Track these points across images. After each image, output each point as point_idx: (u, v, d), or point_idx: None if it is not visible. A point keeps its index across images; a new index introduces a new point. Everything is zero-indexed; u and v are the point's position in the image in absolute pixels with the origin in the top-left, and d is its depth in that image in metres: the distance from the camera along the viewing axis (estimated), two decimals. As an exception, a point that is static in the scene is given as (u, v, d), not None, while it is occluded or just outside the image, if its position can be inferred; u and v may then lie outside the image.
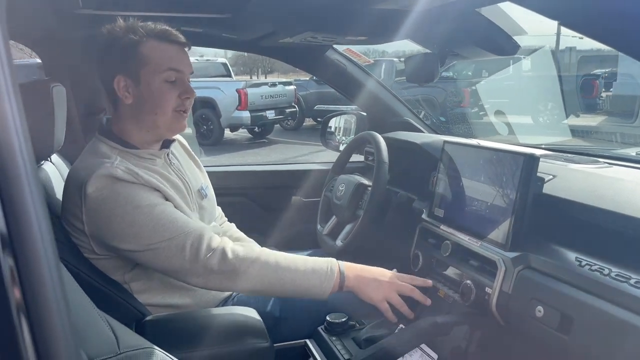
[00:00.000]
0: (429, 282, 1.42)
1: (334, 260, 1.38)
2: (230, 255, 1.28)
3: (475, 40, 1.21)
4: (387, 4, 1.08)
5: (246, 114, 10.31)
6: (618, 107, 10.93)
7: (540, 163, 1.46)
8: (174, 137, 1.55)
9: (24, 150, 0.48)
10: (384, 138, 1.77)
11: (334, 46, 1.99)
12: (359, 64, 2.08)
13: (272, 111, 10.77)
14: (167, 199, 1.35)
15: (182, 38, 1.39)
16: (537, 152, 1.57)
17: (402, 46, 1.56)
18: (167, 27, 1.38)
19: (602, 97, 11.64)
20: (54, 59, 1.81)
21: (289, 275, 1.31)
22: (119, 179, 1.27)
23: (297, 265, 1.33)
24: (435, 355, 1.38)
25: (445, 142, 1.55)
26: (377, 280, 1.37)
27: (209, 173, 1.81)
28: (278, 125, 11.95)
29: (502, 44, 1.21)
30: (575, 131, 9.09)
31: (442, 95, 11.49)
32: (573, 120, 11.19)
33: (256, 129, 11.21)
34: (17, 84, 0.49)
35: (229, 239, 1.34)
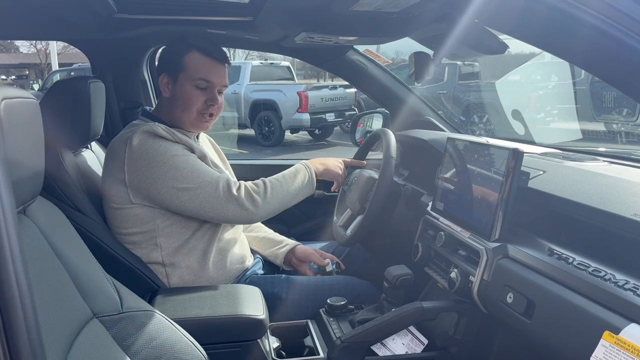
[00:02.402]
0: (363, 163, 1.94)
1: (304, 161, 1.77)
2: (252, 190, 1.58)
3: (462, 40, 1.27)
4: (361, 6, 1.17)
5: (306, 116, 10.48)
6: None
7: (536, 159, 1.51)
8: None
9: None
10: (398, 135, 1.84)
11: (355, 47, 2.08)
12: (380, 65, 2.15)
13: (332, 114, 10.88)
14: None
15: (221, 55, 1.65)
16: (533, 148, 1.60)
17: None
18: (213, 44, 1.63)
19: (689, 101, 10.79)
20: (98, 59, 2.03)
21: (290, 185, 1.65)
22: (159, 136, 1.54)
23: (289, 175, 1.68)
24: (425, 340, 1.45)
25: (448, 138, 1.61)
26: (334, 163, 1.84)
27: (236, 166, 1.97)
28: (338, 127, 12.06)
29: (489, 44, 1.26)
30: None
31: (507, 99, 11.13)
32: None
33: (316, 131, 11.36)
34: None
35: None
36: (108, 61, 2.03)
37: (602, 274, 0.99)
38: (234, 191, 1.54)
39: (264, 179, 1.64)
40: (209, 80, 1.62)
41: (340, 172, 1.84)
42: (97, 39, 1.93)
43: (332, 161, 1.84)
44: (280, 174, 1.68)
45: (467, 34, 1.26)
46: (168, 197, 1.51)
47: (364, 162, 1.94)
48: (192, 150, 1.58)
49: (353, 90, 11.43)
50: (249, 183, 1.60)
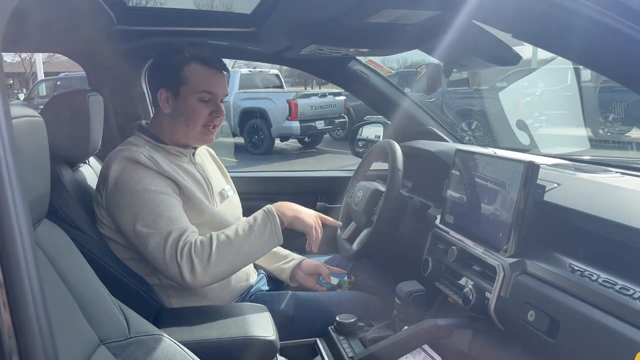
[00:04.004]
0: (339, 223, 1.72)
1: (267, 206, 1.52)
2: (194, 254, 1.37)
3: (475, 51, 1.25)
4: (378, 18, 1.15)
5: (296, 124, 10.46)
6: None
7: (548, 172, 1.48)
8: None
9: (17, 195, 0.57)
10: (402, 146, 1.81)
11: (357, 57, 2.06)
12: (382, 75, 2.13)
13: (322, 121, 10.86)
14: (180, 189, 1.50)
15: (221, 64, 1.57)
16: (544, 160, 1.58)
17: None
18: (210, 53, 1.56)
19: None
20: (95, 71, 1.98)
21: (244, 242, 1.43)
22: (139, 162, 1.44)
23: (243, 229, 1.45)
24: (438, 358, 1.41)
25: (456, 150, 1.58)
26: (307, 212, 1.57)
27: (236, 178, 1.92)
28: (327, 135, 12.05)
29: (502, 55, 1.24)
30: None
31: (496, 105, 11.19)
32: (637, 133, 10.66)
33: (306, 139, 11.34)
34: (14, 142, 0.59)
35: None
36: (105, 73, 1.98)
37: (631, 292, 0.96)
38: (177, 253, 1.37)
39: (213, 234, 1.42)
40: (212, 91, 1.55)
41: (313, 225, 1.55)
42: (95, 50, 1.88)
43: (307, 211, 1.59)
44: (234, 226, 1.47)
45: (479, 44, 1.24)
46: (127, 234, 1.44)
47: (340, 223, 1.74)
48: (175, 182, 1.48)
49: (342, 97, 11.45)
50: (197, 241, 1.40)
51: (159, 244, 1.38)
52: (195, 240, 1.40)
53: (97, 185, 1.52)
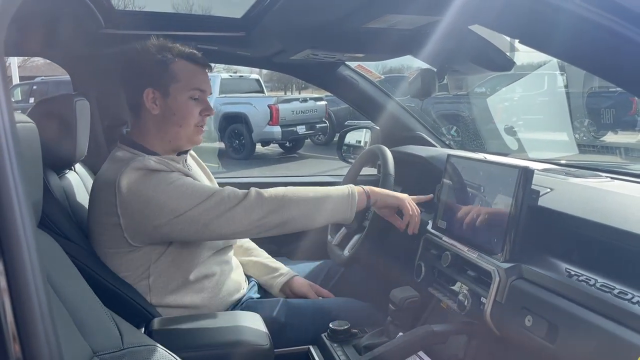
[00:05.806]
0: (430, 196, 1.64)
1: (351, 185, 1.55)
2: (262, 191, 1.42)
3: (470, 57, 1.25)
4: (377, 23, 1.14)
5: (277, 129, 10.46)
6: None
7: (540, 177, 1.49)
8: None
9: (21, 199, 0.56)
10: (393, 152, 1.81)
11: (347, 63, 2.06)
12: (371, 80, 2.14)
13: (303, 126, 10.89)
14: None
15: (205, 60, 1.53)
16: (535, 165, 1.59)
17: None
18: (194, 50, 1.51)
19: (643, 113, 11.23)
20: (81, 75, 1.94)
21: (318, 196, 1.47)
22: (153, 169, 1.38)
23: (321, 190, 1.49)
24: (433, 364, 1.41)
25: (448, 155, 1.58)
26: (396, 193, 1.60)
27: (223, 184, 1.89)
28: (309, 140, 12.06)
29: (496, 60, 1.25)
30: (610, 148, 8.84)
31: (475, 111, 11.32)
32: (611, 137, 10.88)
33: (287, 144, 11.35)
34: (18, 143, 0.57)
35: None
36: (91, 77, 1.94)
37: (629, 296, 0.97)
38: (240, 197, 1.39)
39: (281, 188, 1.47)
40: (202, 89, 1.50)
41: (406, 198, 1.58)
42: (81, 54, 1.84)
43: (396, 193, 1.61)
44: (308, 187, 1.51)
45: (473, 49, 1.25)
46: (169, 229, 1.38)
47: (431, 196, 1.65)
48: (188, 175, 1.46)
49: (323, 102, 11.48)
50: (263, 190, 1.44)
51: (219, 203, 1.37)
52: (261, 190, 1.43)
53: (99, 208, 1.42)
